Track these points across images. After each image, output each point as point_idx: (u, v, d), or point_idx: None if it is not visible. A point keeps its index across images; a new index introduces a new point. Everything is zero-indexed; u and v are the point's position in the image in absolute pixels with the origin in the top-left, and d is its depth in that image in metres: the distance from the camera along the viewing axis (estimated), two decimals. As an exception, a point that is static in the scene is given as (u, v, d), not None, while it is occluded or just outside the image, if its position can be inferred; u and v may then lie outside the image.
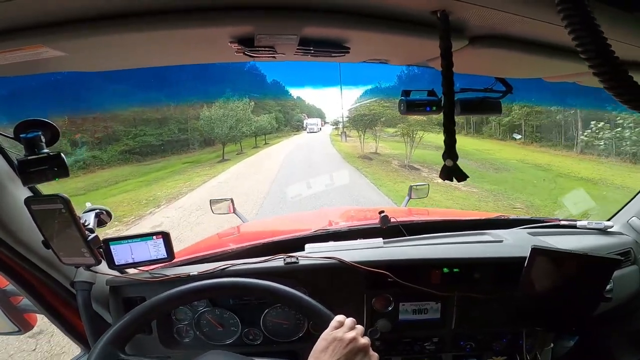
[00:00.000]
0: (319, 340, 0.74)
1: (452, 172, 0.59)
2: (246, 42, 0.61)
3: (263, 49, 0.63)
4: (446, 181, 0.59)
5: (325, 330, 0.75)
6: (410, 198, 2.12)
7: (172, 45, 0.64)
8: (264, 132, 24.81)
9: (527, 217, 1.49)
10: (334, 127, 38.28)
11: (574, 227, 1.39)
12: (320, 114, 47.52)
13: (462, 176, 0.60)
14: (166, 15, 0.52)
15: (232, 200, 2.05)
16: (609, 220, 1.44)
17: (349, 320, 0.77)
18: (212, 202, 2.05)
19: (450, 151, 0.59)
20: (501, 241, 1.21)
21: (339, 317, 0.78)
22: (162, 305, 0.90)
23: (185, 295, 0.91)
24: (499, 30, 0.64)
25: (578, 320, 1.09)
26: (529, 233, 1.29)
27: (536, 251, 0.97)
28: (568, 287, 1.01)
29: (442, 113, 0.60)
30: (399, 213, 1.70)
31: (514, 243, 1.20)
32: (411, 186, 2.11)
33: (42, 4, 0.46)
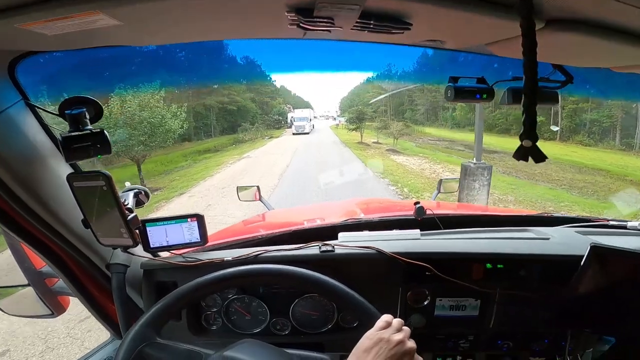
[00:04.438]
0: (362, 339, 0.70)
1: (529, 152, 0.55)
2: (304, 12, 0.57)
3: (321, 20, 0.59)
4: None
5: (370, 330, 0.71)
6: (439, 192, 2.05)
7: (225, 16, 0.61)
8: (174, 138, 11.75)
9: (574, 215, 1.41)
10: (344, 120, 27.39)
11: (624, 227, 1.30)
12: (307, 107, 35.26)
13: (540, 157, 0.55)
14: None
15: (258, 187, 2.07)
16: (662, 221, 1.34)
17: (396, 321, 0.72)
18: (239, 188, 2.07)
19: (530, 132, 0.54)
20: (548, 239, 1.14)
21: (386, 317, 0.73)
22: (212, 285, 0.89)
23: (233, 278, 0.89)
24: (581, 14, 0.59)
25: (630, 323, 1.02)
26: (577, 232, 1.22)
27: (595, 249, 0.91)
28: (625, 289, 0.95)
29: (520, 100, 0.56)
30: (430, 206, 1.65)
31: (562, 241, 1.13)
32: (441, 180, 2.05)
33: None
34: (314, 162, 11.96)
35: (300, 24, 0.60)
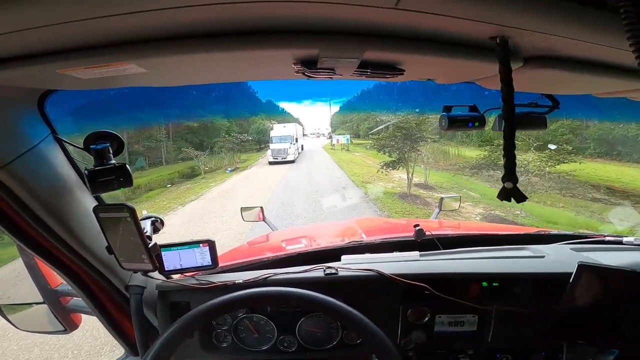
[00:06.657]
0: None
1: (511, 193, 0.60)
2: (308, 64, 0.65)
3: (323, 70, 0.67)
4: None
5: None
6: (440, 210, 2.09)
7: (241, 63, 0.69)
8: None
9: (570, 232, 1.45)
10: (343, 138, 22.85)
11: (620, 243, 1.34)
12: (296, 122, 26.26)
13: (521, 197, 0.60)
14: (241, 36, 0.56)
15: (262, 208, 2.10)
16: (656, 236, 1.37)
17: None
18: (243, 209, 2.10)
19: (510, 174, 0.60)
20: (543, 257, 1.19)
21: None
22: (235, 304, 0.93)
23: (247, 300, 0.94)
24: (554, 52, 0.66)
25: (622, 335, 1.06)
26: (572, 249, 1.26)
27: (583, 267, 0.95)
28: (614, 303, 0.99)
29: (501, 131, 0.62)
30: (431, 225, 1.69)
31: (557, 259, 1.17)
32: (442, 198, 2.08)
33: (131, 23, 0.50)
34: None
35: (305, 73, 0.68)
